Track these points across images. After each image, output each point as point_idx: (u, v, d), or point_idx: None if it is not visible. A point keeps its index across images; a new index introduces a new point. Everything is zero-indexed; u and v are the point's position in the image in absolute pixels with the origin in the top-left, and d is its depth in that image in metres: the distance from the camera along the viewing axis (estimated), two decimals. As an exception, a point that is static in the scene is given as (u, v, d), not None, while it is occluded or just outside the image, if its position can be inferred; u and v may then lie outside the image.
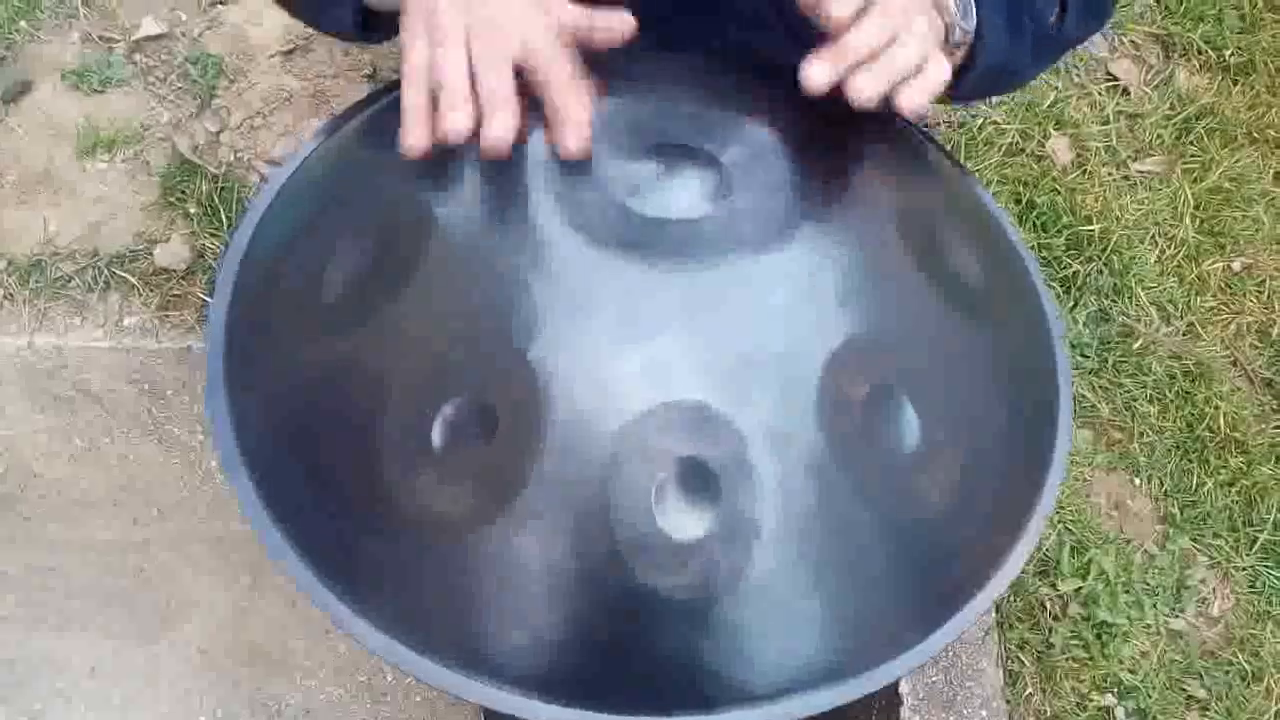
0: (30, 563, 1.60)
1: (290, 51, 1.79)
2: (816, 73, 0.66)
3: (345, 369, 0.64)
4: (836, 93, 0.68)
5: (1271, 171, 2.05)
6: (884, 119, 0.82)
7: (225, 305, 0.72)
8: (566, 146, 0.66)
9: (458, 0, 0.66)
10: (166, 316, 1.61)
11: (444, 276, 0.64)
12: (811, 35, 0.92)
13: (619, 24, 0.70)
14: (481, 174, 0.67)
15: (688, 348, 0.61)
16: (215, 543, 1.64)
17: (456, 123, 0.64)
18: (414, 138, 0.65)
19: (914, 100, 0.68)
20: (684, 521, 0.59)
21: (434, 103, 0.65)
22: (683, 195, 0.68)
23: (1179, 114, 2.07)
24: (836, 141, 0.76)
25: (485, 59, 0.65)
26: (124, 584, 1.61)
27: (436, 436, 0.60)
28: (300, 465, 0.65)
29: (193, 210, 1.65)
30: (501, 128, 0.64)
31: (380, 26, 0.79)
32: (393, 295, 0.64)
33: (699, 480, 0.59)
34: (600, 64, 0.72)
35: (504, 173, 0.67)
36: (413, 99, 0.66)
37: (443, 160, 0.68)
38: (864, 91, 0.66)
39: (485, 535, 0.59)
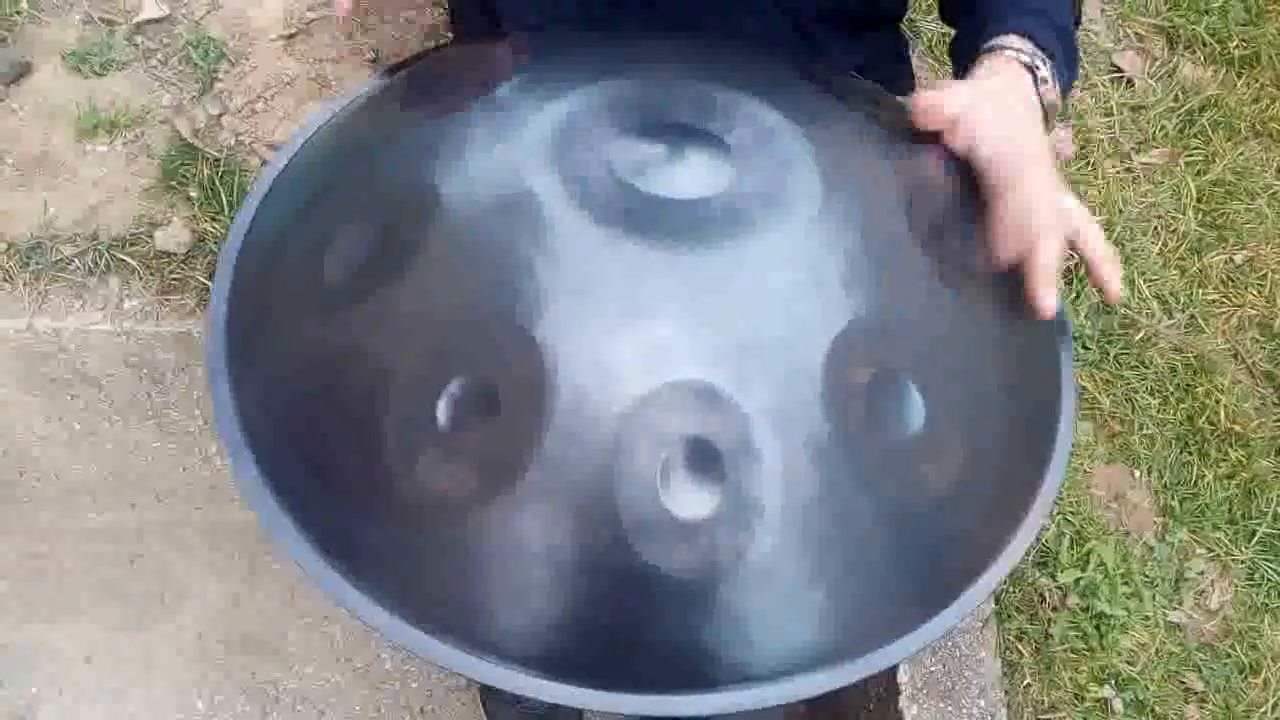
0: (25, 549, 1.60)
1: (292, 35, 1.78)
2: (1052, 303, 0.73)
3: (348, 350, 0.64)
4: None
5: (1275, 165, 2.05)
6: (887, 105, 0.82)
7: (226, 288, 0.72)
8: None
9: None
10: (167, 300, 1.60)
11: (447, 257, 0.64)
12: (813, 22, 0.92)
13: None
14: (485, 153, 0.67)
15: (692, 328, 0.61)
16: (212, 529, 1.63)
17: None
18: None
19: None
20: (688, 501, 0.59)
21: None
22: (688, 175, 0.67)
23: (1183, 106, 2.07)
24: (842, 125, 0.76)
25: None
26: (119, 571, 1.61)
27: (440, 417, 0.59)
28: (304, 448, 0.65)
29: (193, 194, 1.65)
30: None
31: None
32: (395, 276, 0.64)
33: (703, 460, 0.59)
34: (610, 45, 0.72)
35: (508, 151, 0.66)
36: None
37: (446, 138, 0.67)
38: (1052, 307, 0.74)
39: (490, 515, 0.59)
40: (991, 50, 0.79)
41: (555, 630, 0.60)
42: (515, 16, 0.92)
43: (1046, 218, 0.72)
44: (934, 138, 0.75)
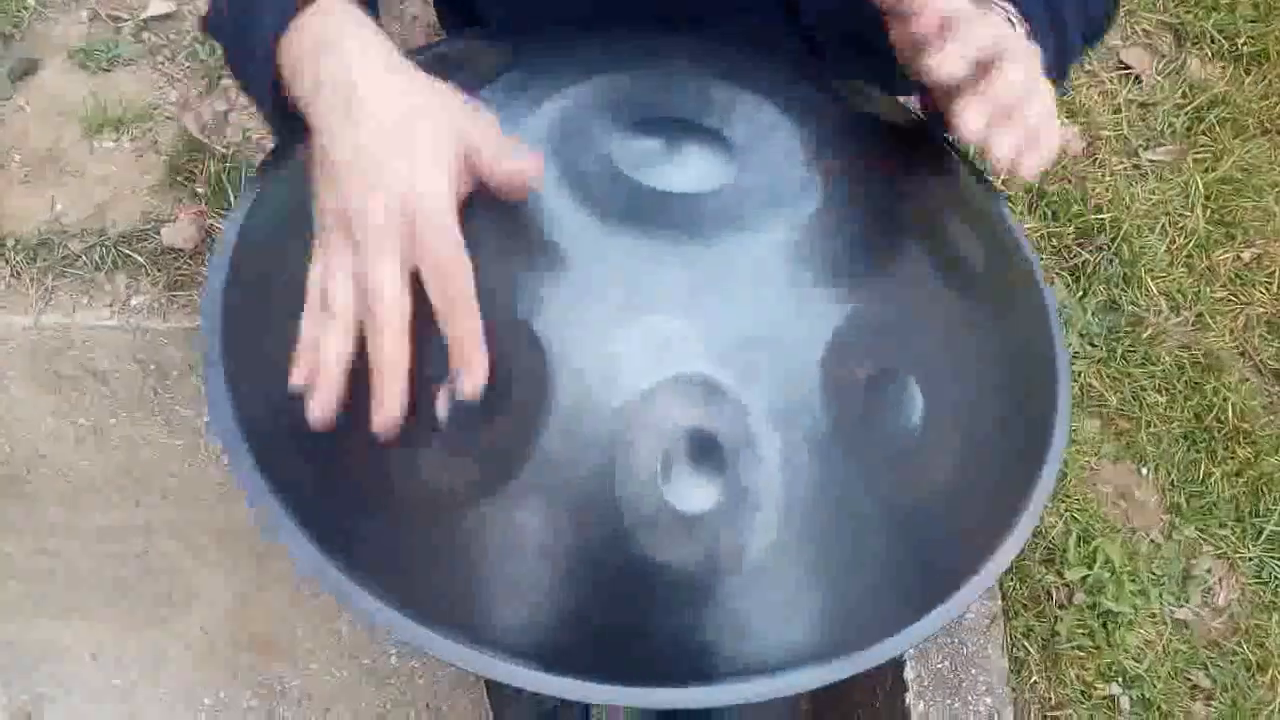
0: (33, 546, 1.60)
1: (298, 33, 1.78)
2: (974, 119, 0.62)
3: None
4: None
5: (1283, 162, 2.04)
6: (886, 102, 0.82)
7: (222, 279, 0.72)
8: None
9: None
10: (174, 296, 1.60)
11: None
12: (814, 20, 0.92)
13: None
14: None
15: (693, 322, 0.61)
16: (219, 528, 1.64)
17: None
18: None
19: (1037, 168, 0.64)
20: (688, 495, 0.59)
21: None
22: (689, 170, 0.67)
23: (1191, 103, 2.06)
24: (842, 119, 0.76)
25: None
26: (127, 569, 1.61)
27: (439, 410, 0.59)
28: (300, 439, 0.64)
29: (200, 190, 1.65)
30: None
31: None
32: None
33: (704, 454, 0.59)
34: (608, 41, 0.72)
35: None
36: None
37: None
38: (1005, 154, 0.62)
39: (490, 509, 0.59)
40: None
41: (556, 623, 0.60)
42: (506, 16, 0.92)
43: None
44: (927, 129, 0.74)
